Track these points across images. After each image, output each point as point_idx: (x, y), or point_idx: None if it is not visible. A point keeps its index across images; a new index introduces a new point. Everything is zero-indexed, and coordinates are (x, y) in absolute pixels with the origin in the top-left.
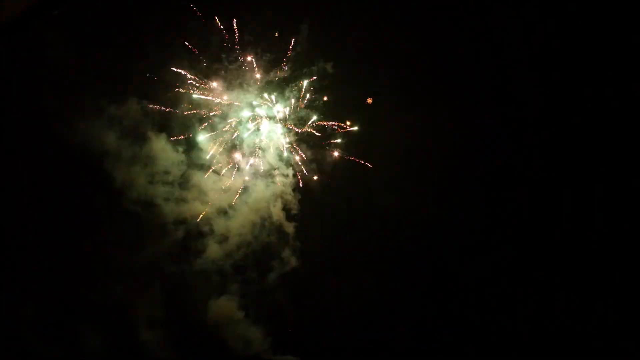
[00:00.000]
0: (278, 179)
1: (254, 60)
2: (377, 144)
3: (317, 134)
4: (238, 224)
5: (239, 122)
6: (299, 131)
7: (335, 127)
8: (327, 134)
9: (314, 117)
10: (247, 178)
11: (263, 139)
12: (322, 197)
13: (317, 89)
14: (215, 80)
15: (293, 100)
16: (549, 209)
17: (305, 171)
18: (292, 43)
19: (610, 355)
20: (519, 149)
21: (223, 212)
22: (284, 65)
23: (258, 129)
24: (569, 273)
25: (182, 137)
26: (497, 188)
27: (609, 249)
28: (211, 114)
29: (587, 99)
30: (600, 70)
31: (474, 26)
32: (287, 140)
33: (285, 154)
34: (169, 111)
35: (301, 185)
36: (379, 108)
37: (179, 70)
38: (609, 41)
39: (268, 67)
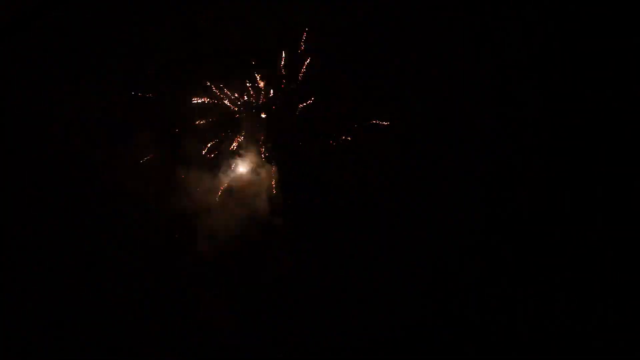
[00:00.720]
0: (264, 175)
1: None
2: (372, 142)
3: (299, 144)
4: (225, 221)
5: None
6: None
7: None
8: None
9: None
10: (231, 174)
11: (242, 137)
12: (315, 193)
13: (309, 88)
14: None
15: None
16: (549, 209)
17: (290, 168)
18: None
19: (610, 355)
20: (519, 148)
21: (210, 209)
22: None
23: (239, 125)
24: (568, 273)
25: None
26: (497, 188)
27: (609, 249)
28: (200, 122)
29: (587, 99)
30: (600, 70)
31: (474, 24)
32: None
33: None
34: (153, 106)
35: (291, 181)
36: (374, 106)
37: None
38: (609, 41)
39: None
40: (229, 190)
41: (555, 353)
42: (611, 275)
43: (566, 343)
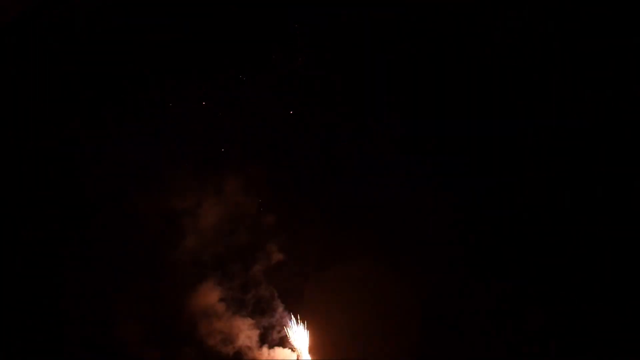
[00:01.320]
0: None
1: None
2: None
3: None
4: (215, 217)
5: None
6: None
7: None
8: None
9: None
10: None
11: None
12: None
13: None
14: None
15: None
16: (549, 209)
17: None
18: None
19: (610, 355)
20: (519, 149)
21: (199, 205)
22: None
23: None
24: (569, 273)
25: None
26: (498, 188)
27: (609, 249)
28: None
29: (587, 99)
30: (600, 70)
31: (475, 25)
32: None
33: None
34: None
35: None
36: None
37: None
38: (609, 41)
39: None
40: (220, 190)
41: (555, 353)
42: (611, 275)
43: (566, 343)
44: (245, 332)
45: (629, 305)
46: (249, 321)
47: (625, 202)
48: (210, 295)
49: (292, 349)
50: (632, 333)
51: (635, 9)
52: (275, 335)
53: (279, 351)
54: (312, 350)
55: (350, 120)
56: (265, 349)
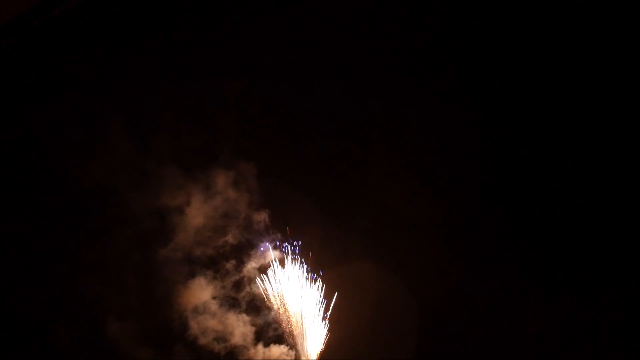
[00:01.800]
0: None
1: None
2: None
3: None
4: (208, 215)
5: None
6: None
7: None
8: None
9: None
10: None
11: None
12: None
13: None
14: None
15: None
16: (549, 208)
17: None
18: None
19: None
20: (519, 149)
21: (192, 203)
22: None
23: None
24: (569, 272)
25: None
26: (499, 188)
27: (609, 248)
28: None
29: (587, 100)
30: (600, 70)
31: (476, 25)
32: None
33: None
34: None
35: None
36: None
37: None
38: (609, 41)
39: None
40: (212, 188)
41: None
42: (611, 274)
43: (566, 343)
44: (240, 330)
45: (628, 304)
46: (243, 318)
47: (625, 202)
48: (203, 293)
49: (290, 347)
50: (631, 332)
51: (635, 9)
52: (272, 333)
53: (275, 349)
54: (310, 347)
55: (350, 120)
56: (260, 347)
